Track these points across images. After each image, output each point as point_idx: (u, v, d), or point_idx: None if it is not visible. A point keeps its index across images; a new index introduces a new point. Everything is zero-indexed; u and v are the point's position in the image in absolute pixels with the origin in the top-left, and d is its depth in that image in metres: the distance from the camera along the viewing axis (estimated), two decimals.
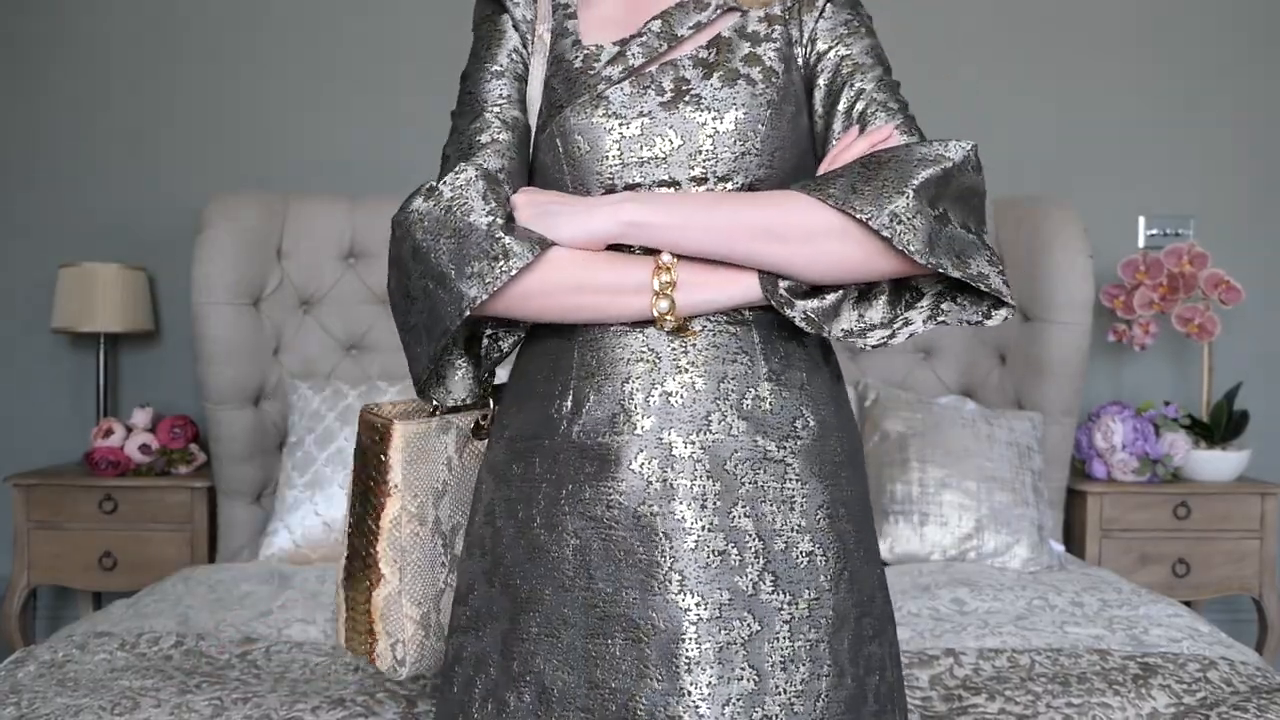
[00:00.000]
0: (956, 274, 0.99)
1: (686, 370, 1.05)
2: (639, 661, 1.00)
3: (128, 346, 3.22)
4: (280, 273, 2.85)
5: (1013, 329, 2.91)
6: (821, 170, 1.09)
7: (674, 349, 1.06)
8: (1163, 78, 3.24)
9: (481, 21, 1.20)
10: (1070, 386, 2.81)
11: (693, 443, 1.03)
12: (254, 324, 2.78)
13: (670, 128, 1.08)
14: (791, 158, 1.11)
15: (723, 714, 0.98)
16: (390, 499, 1.15)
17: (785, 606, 1.02)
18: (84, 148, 3.21)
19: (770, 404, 1.06)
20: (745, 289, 1.04)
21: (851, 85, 1.12)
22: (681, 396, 1.04)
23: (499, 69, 1.15)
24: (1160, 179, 3.25)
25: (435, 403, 1.17)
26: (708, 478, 1.03)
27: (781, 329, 1.08)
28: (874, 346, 1.04)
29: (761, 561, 1.02)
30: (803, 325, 1.02)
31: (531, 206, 1.06)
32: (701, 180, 1.08)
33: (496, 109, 1.13)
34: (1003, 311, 1.03)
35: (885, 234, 0.97)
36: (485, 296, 1.00)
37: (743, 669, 0.99)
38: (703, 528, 1.02)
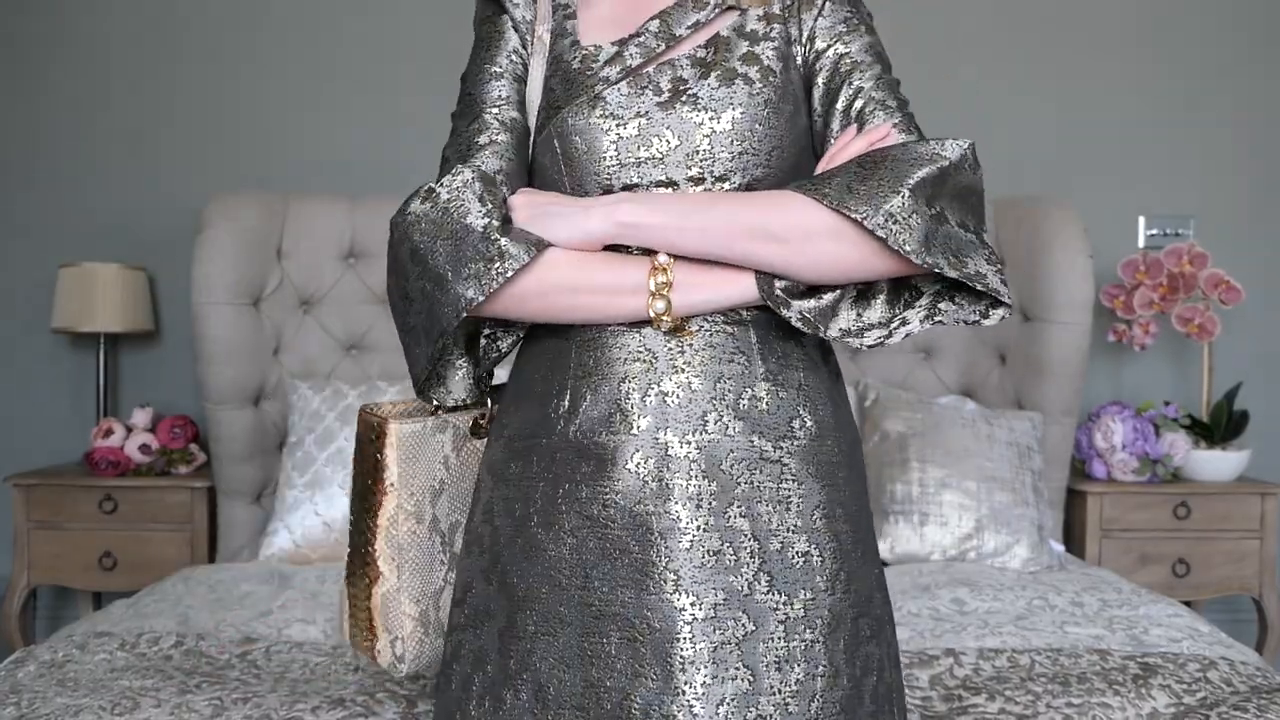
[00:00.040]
0: (953, 274, 0.98)
1: (683, 370, 1.05)
2: (634, 660, 1.00)
3: (128, 346, 3.22)
4: (280, 273, 2.85)
5: (1013, 329, 2.91)
6: (819, 169, 1.08)
7: (670, 349, 1.06)
8: (1163, 78, 3.24)
9: (482, 22, 1.20)
10: (1070, 386, 2.81)
11: (689, 443, 1.04)
12: (254, 324, 2.78)
13: (667, 128, 1.08)
14: (790, 157, 1.11)
15: (716, 713, 0.98)
16: (386, 497, 1.16)
17: (780, 607, 1.02)
18: (84, 148, 3.21)
19: (767, 404, 1.06)
20: (742, 289, 1.04)
21: (850, 83, 1.11)
22: (678, 396, 1.05)
23: (498, 70, 1.15)
24: (1160, 179, 3.25)
25: (435, 403, 1.17)
26: (703, 478, 1.03)
27: (779, 329, 1.08)
28: (870, 346, 1.04)
29: (757, 562, 1.02)
30: (798, 325, 1.02)
31: (529, 208, 1.06)
32: (699, 180, 1.08)
33: (495, 110, 1.13)
34: (1000, 311, 1.03)
35: (880, 234, 0.97)
36: (481, 298, 1.01)
37: (737, 669, 0.99)
38: (698, 528, 1.02)
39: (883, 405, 2.72)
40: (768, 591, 1.02)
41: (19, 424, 3.23)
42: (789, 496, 1.05)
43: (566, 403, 1.08)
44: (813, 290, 1.04)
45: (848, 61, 1.12)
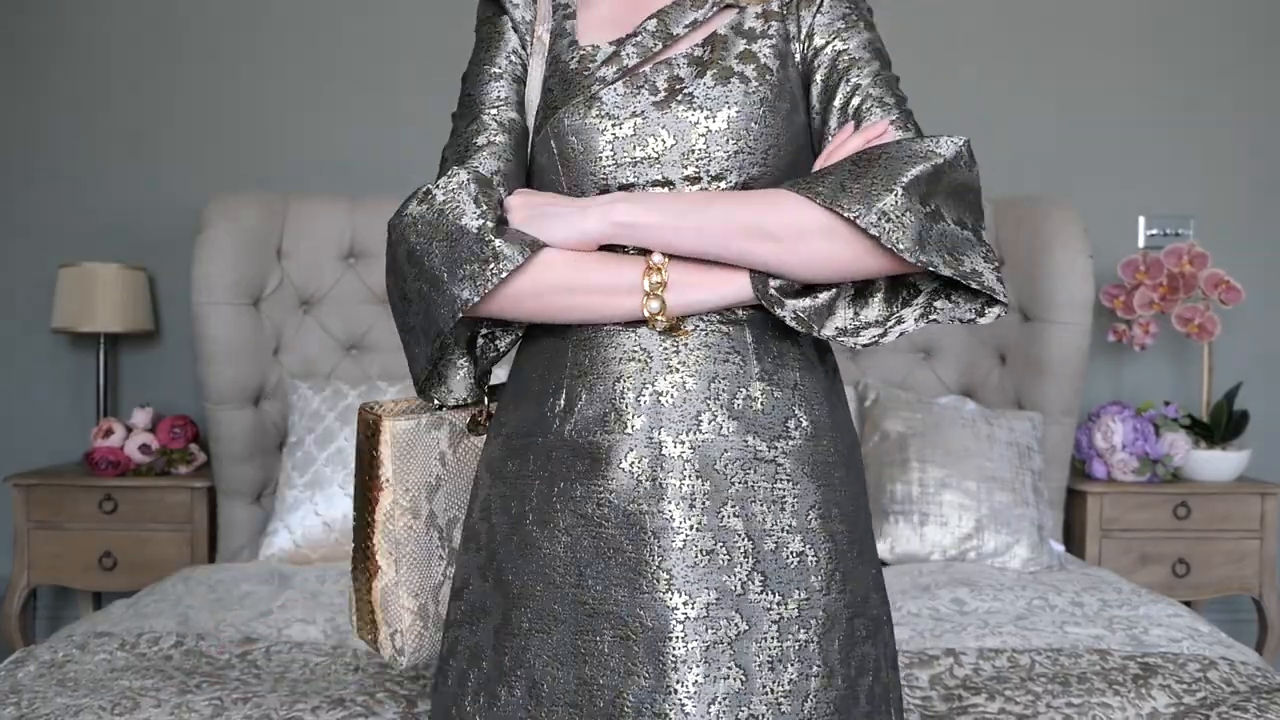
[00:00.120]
0: (948, 271, 0.98)
1: (677, 370, 1.05)
2: (627, 659, 1.00)
3: (128, 346, 3.22)
4: (280, 273, 2.86)
5: (1013, 329, 2.91)
6: (816, 167, 1.08)
7: (665, 349, 1.06)
8: (1163, 78, 3.24)
9: (482, 23, 1.20)
10: (1070, 386, 2.81)
11: (682, 442, 1.04)
12: (254, 324, 2.78)
13: (663, 127, 1.08)
14: (787, 155, 1.11)
15: (708, 712, 0.98)
16: (383, 493, 1.17)
17: (774, 606, 1.02)
18: (84, 148, 3.21)
19: (762, 404, 1.06)
20: (737, 289, 1.04)
21: (848, 80, 1.11)
22: (672, 396, 1.05)
23: (497, 71, 1.16)
24: (1160, 179, 3.25)
25: (436, 402, 1.18)
26: (697, 477, 1.03)
27: (775, 328, 1.08)
28: (865, 345, 1.03)
29: (750, 561, 1.02)
30: (792, 324, 1.02)
31: (525, 208, 1.06)
32: (695, 179, 1.08)
33: (493, 111, 1.13)
34: (996, 309, 1.02)
35: (873, 232, 0.96)
36: (477, 299, 1.01)
37: (729, 668, 0.99)
38: (691, 527, 1.02)
39: (882, 405, 2.72)
40: (761, 591, 1.02)
41: (19, 424, 3.23)
42: (784, 496, 1.05)
43: (562, 402, 1.08)
44: (808, 289, 1.03)
45: (846, 58, 1.12)
